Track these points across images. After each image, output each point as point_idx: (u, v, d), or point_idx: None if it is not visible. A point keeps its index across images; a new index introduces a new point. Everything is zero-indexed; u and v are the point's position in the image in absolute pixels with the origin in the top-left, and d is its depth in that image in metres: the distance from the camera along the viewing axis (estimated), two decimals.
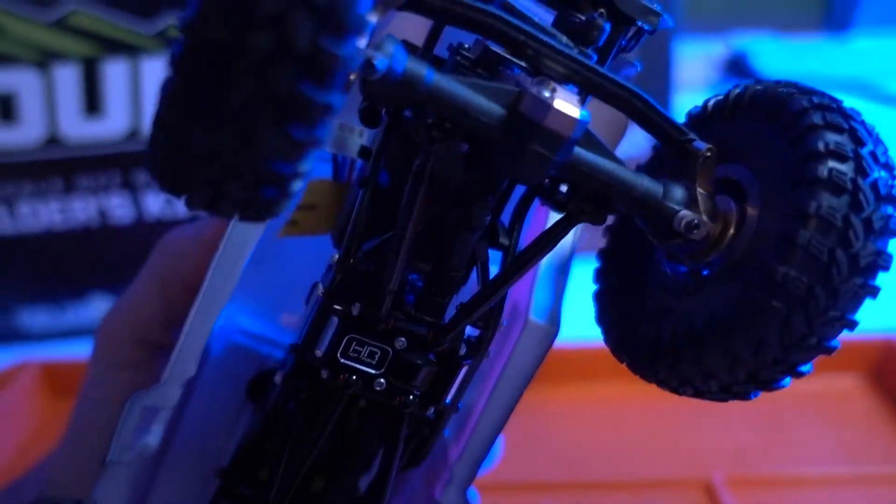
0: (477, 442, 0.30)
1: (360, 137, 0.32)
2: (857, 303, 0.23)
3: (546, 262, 0.30)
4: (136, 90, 0.61)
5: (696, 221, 0.25)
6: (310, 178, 0.21)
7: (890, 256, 0.23)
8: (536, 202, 0.29)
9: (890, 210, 0.23)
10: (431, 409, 0.29)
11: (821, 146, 0.23)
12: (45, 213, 0.63)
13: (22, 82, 0.59)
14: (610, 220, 0.27)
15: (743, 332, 0.23)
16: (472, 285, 0.29)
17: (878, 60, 1.19)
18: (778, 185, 0.24)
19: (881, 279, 0.23)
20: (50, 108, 0.60)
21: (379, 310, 0.27)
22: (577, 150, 0.23)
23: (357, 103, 0.26)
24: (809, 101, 0.24)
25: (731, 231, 0.25)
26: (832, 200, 0.23)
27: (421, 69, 0.21)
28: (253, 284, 0.33)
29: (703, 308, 0.25)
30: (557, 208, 0.26)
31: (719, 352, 0.24)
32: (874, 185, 0.23)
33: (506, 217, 0.29)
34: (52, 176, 0.62)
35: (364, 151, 0.30)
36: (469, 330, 0.29)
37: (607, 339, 0.29)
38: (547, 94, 0.22)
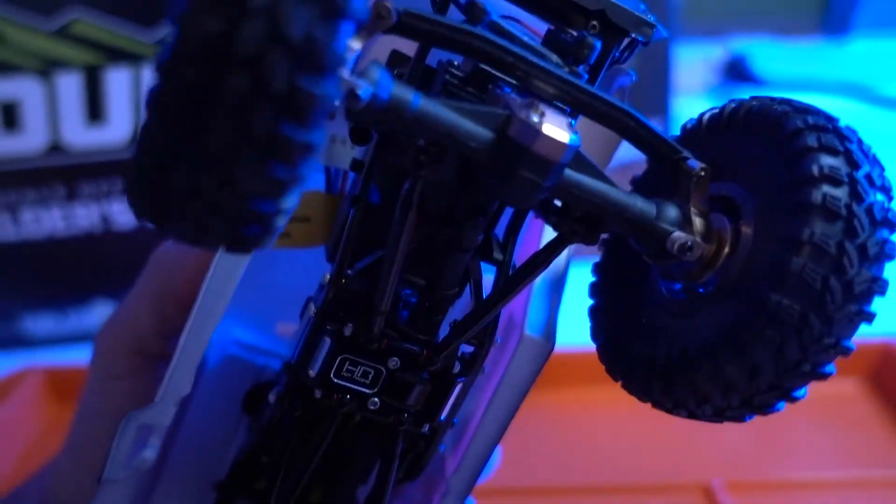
0: (473, 455, 0.30)
1: (351, 149, 0.32)
2: (852, 329, 0.23)
3: (541, 275, 0.30)
4: (137, 98, 0.61)
5: (689, 243, 0.24)
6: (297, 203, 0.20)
7: (885, 282, 0.23)
8: (530, 214, 0.28)
9: (885, 235, 0.23)
10: (427, 426, 0.29)
11: (815, 170, 0.23)
12: (47, 219, 0.63)
13: (24, 90, 0.59)
14: None
15: (737, 360, 0.23)
16: (466, 297, 0.29)
17: (876, 63, 1.19)
18: (772, 205, 0.24)
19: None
20: (52, 115, 0.60)
21: (371, 330, 0.27)
22: (568, 172, 0.23)
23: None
24: (804, 122, 0.24)
25: (726, 250, 0.25)
26: (826, 227, 0.22)
27: (407, 94, 0.21)
28: (247, 294, 0.32)
29: (698, 330, 0.25)
30: (551, 226, 0.26)
31: (713, 377, 0.24)
32: (869, 210, 0.23)
33: (500, 229, 0.29)
34: (55, 183, 0.62)
35: (356, 164, 0.29)
36: (463, 346, 0.29)
37: (602, 357, 0.29)
38: (536, 119, 0.21)
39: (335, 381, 0.28)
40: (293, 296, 0.31)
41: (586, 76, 0.26)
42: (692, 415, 0.25)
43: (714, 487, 0.53)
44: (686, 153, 0.25)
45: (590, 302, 0.30)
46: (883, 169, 0.24)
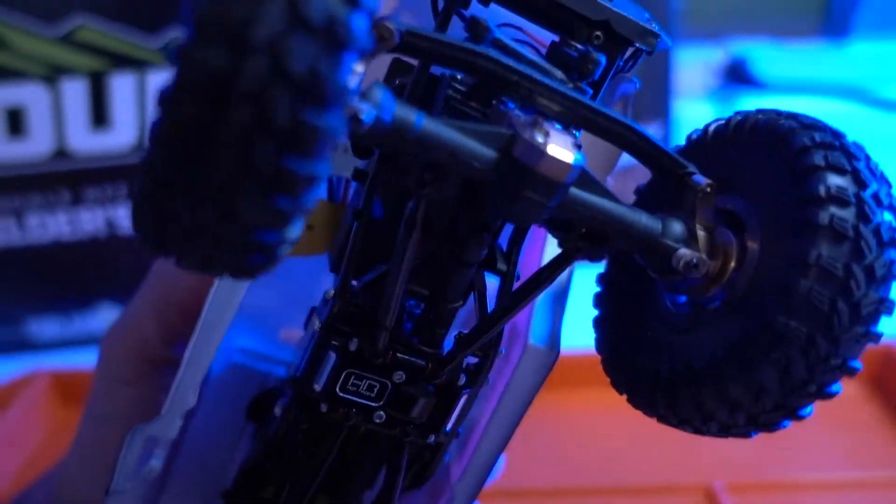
0: (478, 463, 0.31)
1: (353, 156, 0.31)
2: (858, 350, 0.23)
3: None
4: (142, 103, 0.62)
5: (695, 261, 0.24)
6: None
7: (892, 302, 0.23)
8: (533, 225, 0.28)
9: (893, 255, 0.22)
10: (432, 437, 0.29)
11: (822, 191, 0.22)
12: (53, 224, 0.63)
13: (30, 96, 0.60)
14: None
15: (743, 378, 0.23)
16: (469, 304, 0.29)
17: (876, 66, 1.19)
18: (779, 221, 0.24)
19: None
20: (57, 121, 0.61)
21: (376, 346, 0.27)
22: (573, 190, 0.23)
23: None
24: (811, 139, 0.23)
25: (732, 265, 0.25)
26: (833, 249, 0.22)
27: (410, 115, 0.20)
28: (250, 301, 0.32)
29: (703, 345, 0.24)
30: (557, 240, 0.25)
31: (719, 396, 0.23)
32: (877, 231, 0.22)
33: (503, 238, 0.29)
34: (60, 188, 0.63)
35: (358, 174, 0.29)
36: (467, 357, 0.29)
37: (606, 369, 0.28)
38: (541, 140, 0.21)
39: (341, 395, 0.28)
40: (296, 302, 0.31)
41: (591, 91, 0.26)
42: (698, 431, 0.25)
43: (715, 489, 0.53)
44: (692, 168, 0.25)
45: (593, 304, 0.30)
46: (891, 186, 0.24)
